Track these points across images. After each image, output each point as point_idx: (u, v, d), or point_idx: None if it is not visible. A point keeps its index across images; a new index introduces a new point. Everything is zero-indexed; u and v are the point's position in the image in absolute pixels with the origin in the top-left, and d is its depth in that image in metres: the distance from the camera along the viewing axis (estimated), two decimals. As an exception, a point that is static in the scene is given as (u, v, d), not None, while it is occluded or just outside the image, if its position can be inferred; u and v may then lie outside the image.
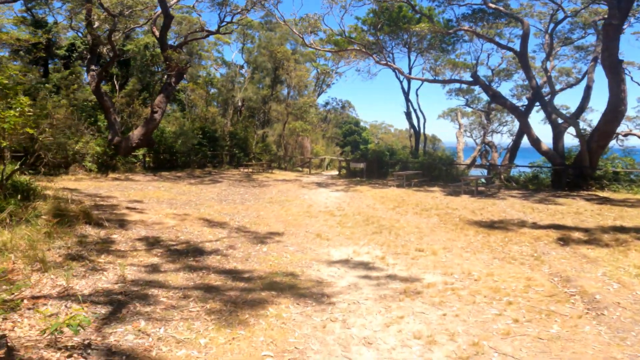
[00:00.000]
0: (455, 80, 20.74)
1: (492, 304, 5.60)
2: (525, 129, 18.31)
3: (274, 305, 5.37)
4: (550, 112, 18.60)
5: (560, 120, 18.29)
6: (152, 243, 7.96)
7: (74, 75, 28.29)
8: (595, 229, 9.90)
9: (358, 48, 19.13)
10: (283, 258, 7.63)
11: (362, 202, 14.37)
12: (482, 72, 44.47)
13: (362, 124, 56.09)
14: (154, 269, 6.55)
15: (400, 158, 21.99)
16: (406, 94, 26.05)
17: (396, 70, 24.13)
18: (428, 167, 20.75)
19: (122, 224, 9.13)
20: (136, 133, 21.06)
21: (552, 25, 23.06)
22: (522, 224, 10.69)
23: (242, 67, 37.37)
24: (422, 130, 26.74)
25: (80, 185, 15.80)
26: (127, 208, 11.24)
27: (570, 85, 30.19)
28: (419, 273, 6.89)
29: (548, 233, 9.54)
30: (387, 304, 5.55)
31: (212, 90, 35.43)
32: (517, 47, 19.79)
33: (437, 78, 21.81)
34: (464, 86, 36.13)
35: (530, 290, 6.11)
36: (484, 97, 34.65)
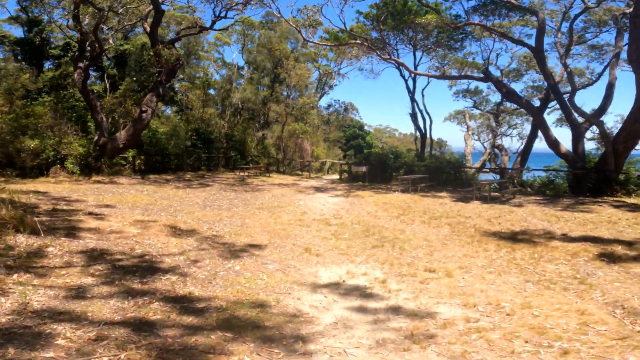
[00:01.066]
0: (465, 77, 19.06)
1: (541, 355, 3.89)
2: (542, 129, 16.57)
3: (223, 357, 3.69)
4: (570, 111, 16.84)
5: (580, 120, 16.51)
6: (95, 257, 6.31)
7: (64, 75, 26.93)
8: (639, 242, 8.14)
9: (360, 42, 17.54)
10: (257, 280, 5.96)
11: (363, 208, 12.67)
12: (491, 72, 42.70)
13: (366, 127, 54.48)
14: (79, 293, 4.90)
15: (405, 161, 20.30)
16: (411, 94, 24.38)
17: (401, 67, 22.52)
18: (435, 171, 19.01)
19: (71, 232, 7.50)
20: (123, 134, 19.54)
21: (565, 21, 21.38)
22: (549, 235, 8.93)
23: (242, 68, 35.98)
24: (428, 133, 25.07)
25: (55, 188, 14.26)
26: (90, 214, 9.63)
27: (584, 86, 28.37)
28: (430, 304, 5.18)
29: (585, 247, 7.78)
30: (387, 358, 3.85)
31: (213, 92, 34.04)
32: (529, 46, 18.07)
33: (445, 74, 20.12)
34: (472, 87, 34.42)
35: (588, 330, 4.38)
36: (493, 98, 32.94)
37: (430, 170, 19.27)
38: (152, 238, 7.87)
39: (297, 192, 16.31)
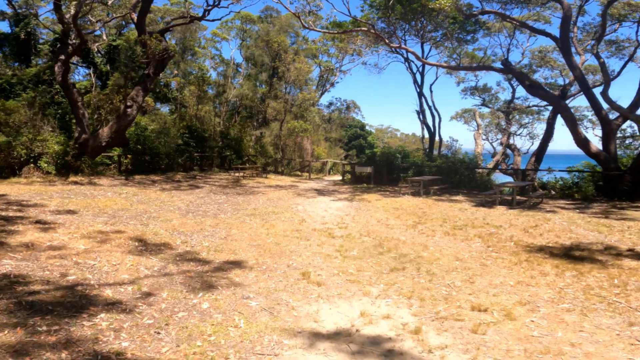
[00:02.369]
0: (484, 67, 17.11)
1: None
2: (570, 126, 14.61)
3: None
4: (600, 106, 14.88)
5: (613, 116, 14.54)
6: (0, 288, 4.35)
7: (52, 70, 24.98)
8: None
9: (367, 29, 15.59)
10: (230, 329, 4.00)
11: (371, 215, 10.71)
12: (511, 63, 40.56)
13: (367, 127, 52.55)
14: None
15: (414, 161, 18.32)
16: (419, 87, 22.39)
17: (408, 61, 20.57)
18: (448, 173, 17.04)
19: (-9, 252, 5.54)
20: (106, 130, 17.60)
21: (580, 16, 19.42)
22: (614, 251, 6.96)
23: (240, 65, 34.07)
24: (437, 130, 23.12)
25: (19, 190, 12.30)
26: (37, 223, 7.67)
27: (601, 83, 26.39)
28: (500, 379, 3.21)
29: (672, 272, 5.81)
30: None
31: (211, 92, 32.10)
32: (552, 36, 16.10)
33: (460, 65, 18.08)
34: (480, 84, 32.44)
35: None
36: (503, 96, 30.97)
37: (442, 172, 17.31)
38: (102, 257, 5.91)
39: (296, 195, 14.35)
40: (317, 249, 7.21)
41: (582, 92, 25.22)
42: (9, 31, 29.96)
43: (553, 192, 15.56)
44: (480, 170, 19.08)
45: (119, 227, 7.97)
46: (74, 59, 31.31)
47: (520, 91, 63.87)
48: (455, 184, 16.73)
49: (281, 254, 6.85)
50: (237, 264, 6.10)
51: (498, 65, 28.08)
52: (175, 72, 29.47)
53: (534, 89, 15.15)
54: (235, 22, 37.08)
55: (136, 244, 6.84)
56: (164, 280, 5.21)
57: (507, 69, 15.96)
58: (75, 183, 14.84)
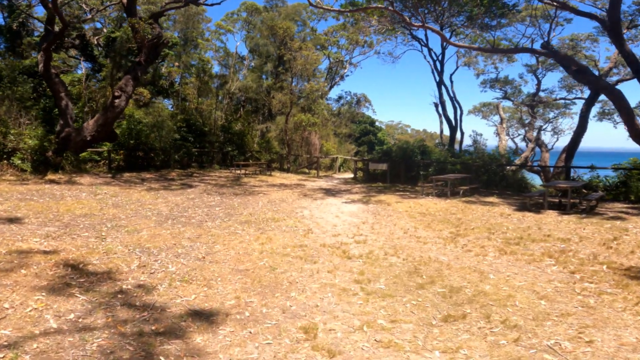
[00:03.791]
0: (523, 50, 14.59)
1: None
2: (625, 116, 12.20)
3: None
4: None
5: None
6: None
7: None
8: None
9: (383, 6, 13.32)
10: None
11: (394, 223, 8.48)
12: (526, 59, 37.78)
13: (377, 124, 50.14)
14: None
15: (435, 158, 15.98)
16: (439, 76, 20.00)
17: (428, 48, 18.22)
18: (475, 170, 14.72)
19: None
20: (91, 123, 15.57)
21: None
22: None
23: (244, 57, 31.94)
24: (459, 124, 20.76)
25: (-22, 190, 10.31)
26: (-52, 239, 5.59)
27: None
28: None
29: None
30: None
31: (214, 86, 30.01)
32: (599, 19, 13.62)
33: (496, 47, 15.42)
34: (502, 75, 29.91)
35: None
36: (526, 89, 28.41)
37: (468, 169, 14.99)
38: (-4, 302, 3.77)
39: (302, 196, 12.17)
40: (327, 277, 5.02)
41: (619, 84, 22.65)
42: (3, 23, 28.25)
43: (601, 193, 13.15)
44: (508, 168, 16.68)
45: (59, 243, 5.86)
46: (74, 53, 29.53)
47: (546, 83, 60.54)
48: (484, 184, 14.40)
49: (276, 286, 4.68)
50: (205, 315, 3.93)
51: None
52: (177, 64, 27.42)
53: (582, 74, 12.73)
54: (241, 13, 34.96)
55: (66, 271, 4.72)
56: (66, 347, 3.06)
57: (550, 51, 13.53)
58: (51, 182, 12.82)
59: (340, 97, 35.24)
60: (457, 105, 21.11)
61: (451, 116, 21.32)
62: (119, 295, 4.20)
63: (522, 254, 6.10)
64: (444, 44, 21.45)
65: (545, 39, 15.16)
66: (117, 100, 15.64)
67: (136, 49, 17.11)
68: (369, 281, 4.95)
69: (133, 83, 16.30)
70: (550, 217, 9.22)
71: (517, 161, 19.49)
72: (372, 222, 8.56)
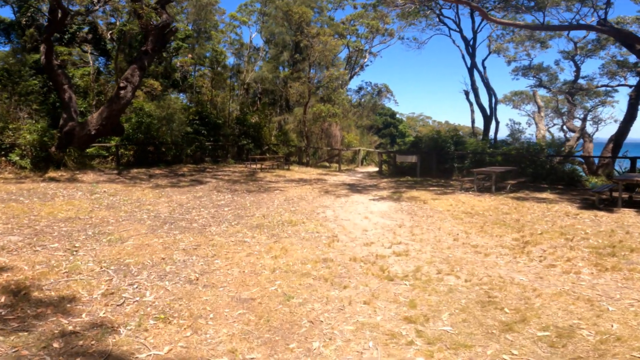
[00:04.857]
0: (578, 27, 12.42)
1: None
2: None
3: None
4: None
5: None
6: None
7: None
8: None
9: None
10: None
11: (438, 226, 6.86)
12: (562, 45, 35.11)
13: (398, 116, 48.07)
14: None
15: (472, 149, 14.16)
16: (471, 59, 18.05)
17: (460, 30, 16.25)
18: (519, 162, 12.88)
19: None
20: (95, 116, 14.39)
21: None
22: None
23: (259, 49, 30.51)
24: (494, 113, 18.76)
25: (-35, 190, 9.19)
26: None
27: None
28: None
29: None
30: None
31: (231, 79, 28.71)
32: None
33: (546, 24, 13.21)
34: (535, 63, 27.56)
35: None
36: (563, 76, 26.02)
37: (509, 161, 13.17)
38: None
39: (323, 193, 10.64)
40: (364, 312, 3.49)
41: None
42: (14, 18, 27.58)
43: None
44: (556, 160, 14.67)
45: (13, 258, 4.52)
46: (88, 48, 28.67)
47: (586, 69, 56.66)
48: (530, 177, 12.56)
49: (291, 329, 3.19)
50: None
51: (570, 40, 23.28)
52: (190, 55, 26.22)
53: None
54: (255, 4, 33.53)
55: (0, 300, 3.33)
56: None
57: (610, 28, 11.51)
58: (51, 180, 11.69)
59: (360, 88, 33.45)
60: (492, 92, 19.10)
61: (484, 105, 19.34)
62: (58, 341, 2.78)
63: (630, 270, 4.42)
64: (477, 27, 19.44)
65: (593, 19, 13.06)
66: (122, 92, 14.41)
67: (142, 37, 15.85)
68: (425, 318, 3.40)
69: (139, 73, 15.02)
70: (629, 216, 7.43)
71: (553, 151, 17.41)
72: (410, 224, 6.97)
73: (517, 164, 12.81)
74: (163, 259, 4.91)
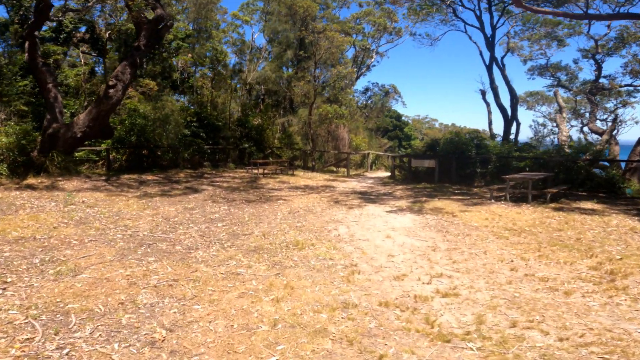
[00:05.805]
0: (621, 16, 11.05)
1: None
2: None
3: None
4: None
5: None
6: None
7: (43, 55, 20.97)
8: None
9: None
10: None
11: (483, 249, 5.45)
12: (581, 43, 33.63)
13: (403, 118, 46.62)
14: None
15: (497, 152, 12.71)
16: (490, 52, 16.55)
17: (481, 23, 14.87)
18: (551, 167, 11.44)
19: None
20: (82, 117, 13.11)
21: None
22: None
23: (262, 49, 29.27)
24: (515, 114, 17.28)
25: None
26: None
27: None
28: None
29: None
30: None
31: (234, 80, 27.44)
32: None
33: (589, 13, 11.67)
34: (553, 61, 26.13)
35: None
36: (582, 76, 24.61)
37: (539, 166, 11.74)
38: None
39: (333, 204, 9.25)
40: None
41: None
42: (8, 18, 26.50)
43: None
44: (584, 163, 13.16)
45: None
46: (86, 49, 27.52)
47: (608, 68, 54.76)
48: (565, 184, 11.11)
49: None
50: None
51: (590, 37, 21.86)
52: (190, 55, 25.00)
53: None
54: (257, 3, 32.35)
55: None
56: None
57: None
58: (28, 187, 10.38)
59: (367, 89, 32.08)
60: (513, 91, 17.65)
61: (509, 104, 17.84)
62: None
63: None
64: (494, 24, 17.98)
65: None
66: (111, 90, 13.12)
67: (135, 32, 14.61)
68: None
69: (131, 71, 13.73)
70: None
71: (587, 156, 15.93)
72: (446, 246, 5.57)
73: (548, 169, 11.37)
74: (122, 303, 3.54)
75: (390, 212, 8.30)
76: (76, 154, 15.38)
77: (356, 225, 6.96)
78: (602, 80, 23.49)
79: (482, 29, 17.08)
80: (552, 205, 8.79)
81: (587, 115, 26.84)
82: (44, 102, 17.10)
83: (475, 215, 7.72)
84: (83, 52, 27.38)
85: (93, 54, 27.50)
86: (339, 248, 5.46)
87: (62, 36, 25.71)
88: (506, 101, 23.07)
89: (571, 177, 11.34)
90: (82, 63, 19.94)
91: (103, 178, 12.84)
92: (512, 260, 4.91)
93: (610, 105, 26.79)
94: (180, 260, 4.90)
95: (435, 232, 6.49)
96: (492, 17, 17.97)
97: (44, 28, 27.94)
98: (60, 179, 11.81)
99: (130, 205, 8.43)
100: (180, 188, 11.46)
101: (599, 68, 23.04)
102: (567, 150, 11.83)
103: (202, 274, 4.38)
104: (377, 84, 35.75)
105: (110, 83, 13.24)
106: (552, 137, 22.02)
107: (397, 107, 39.76)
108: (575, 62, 24.49)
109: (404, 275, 4.44)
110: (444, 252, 5.30)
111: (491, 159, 12.63)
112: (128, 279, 4.13)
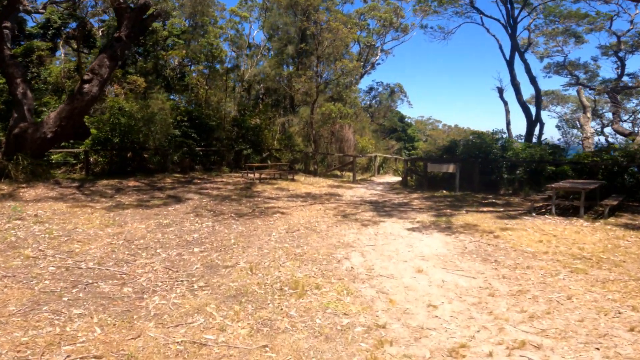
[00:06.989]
0: None
1: None
2: None
3: None
4: None
5: None
6: None
7: (27, 52, 19.49)
8: None
9: None
10: None
11: (564, 292, 3.81)
12: (603, 39, 32.06)
13: (406, 119, 44.98)
14: None
15: (527, 156, 11.03)
16: (512, 48, 14.96)
17: (492, 21, 13.32)
18: (597, 174, 9.79)
19: None
20: (53, 116, 11.53)
21: None
22: None
23: (262, 47, 27.76)
24: (539, 113, 15.67)
25: None
26: None
27: None
28: None
29: None
30: None
31: (231, 77, 25.93)
32: None
33: None
34: (571, 58, 24.53)
35: None
36: (602, 73, 23.00)
37: (578, 172, 10.11)
38: None
39: (341, 218, 7.62)
40: None
41: None
42: None
43: None
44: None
45: None
46: (75, 45, 26.06)
47: (631, 66, 53.19)
48: (618, 194, 9.44)
49: None
50: None
51: (612, 34, 20.25)
52: (184, 51, 23.49)
53: None
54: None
55: None
56: None
57: None
58: (-18, 196, 8.77)
59: (371, 88, 30.48)
60: (538, 89, 16.01)
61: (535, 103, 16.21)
62: None
63: None
64: (514, 16, 16.37)
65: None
66: (86, 86, 11.52)
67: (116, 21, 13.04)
68: None
69: (110, 64, 12.10)
70: None
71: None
72: (507, 289, 3.94)
73: (591, 176, 9.74)
74: None
75: (413, 229, 6.67)
76: (52, 157, 13.84)
77: (373, 251, 5.33)
78: (625, 78, 21.92)
79: (507, 21, 15.46)
80: (612, 220, 7.16)
81: (607, 115, 25.23)
82: (6, 100, 15.56)
83: (522, 236, 6.09)
84: (74, 49, 25.85)
85: (85, 51, 26.00)
86: (354, 292, 3.84)
87: (50, 32, 24.31)
88: (536, 99, 21.38)
89: (616, 184, 9.70)
90: (63, 59, 18.30)
91: (76, 184, 11.23)
92: (619, 312, 3.29)
93: (630, 105, 25.19)
94: (123, 313, 3.30)
95: (480, 261, 4.87)
96: (512, 9, 16.37)
97: (32, 24, 26.49)
98: (24, 185, 10.21)
99: (91, 221, 6.83)
100: (162, 197, 9.85)
101: (622, 66, 21.46)
102: (614, 154, 10.18)
103: (144, 344, 2.77)
104: (382, 83, 34.12)
105: (86, 77, 11.65)
106: (573, 139, 20.39)
107: (403, 108, 38.19)
108: (594, 59, 22.87)
109: (463, 347, 2.82)
110: (508, 299, 3.67)
111: (521, 164, 10.99)
112: (16, 353, 2.51)
